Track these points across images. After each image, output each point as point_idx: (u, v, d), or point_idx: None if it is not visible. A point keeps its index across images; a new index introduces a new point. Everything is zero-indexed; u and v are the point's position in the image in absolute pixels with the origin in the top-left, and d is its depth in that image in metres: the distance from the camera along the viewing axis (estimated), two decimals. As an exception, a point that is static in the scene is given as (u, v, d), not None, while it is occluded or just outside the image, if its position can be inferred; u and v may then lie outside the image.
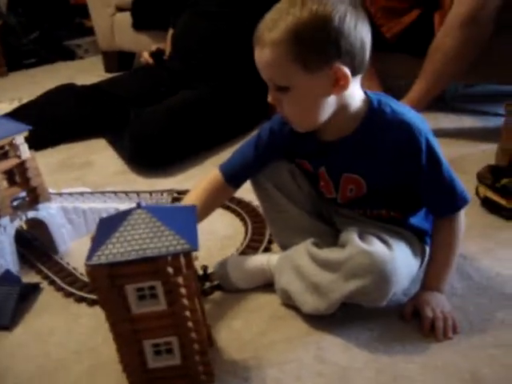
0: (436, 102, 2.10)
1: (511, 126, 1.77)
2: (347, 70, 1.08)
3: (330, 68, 1.08)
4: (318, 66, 1.08)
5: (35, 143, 1.57)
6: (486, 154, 1.90)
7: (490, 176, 1.60)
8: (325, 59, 1.07)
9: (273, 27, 1.07)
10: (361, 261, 1.12)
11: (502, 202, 1.54)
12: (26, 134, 1.53)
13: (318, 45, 1.06)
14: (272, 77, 1.12)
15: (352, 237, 1.17)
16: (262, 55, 1.10)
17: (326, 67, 1.08)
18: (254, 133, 1.33)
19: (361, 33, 1.09)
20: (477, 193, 1.63)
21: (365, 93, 1.19)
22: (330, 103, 1.13)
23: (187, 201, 1.34)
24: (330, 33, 1.05)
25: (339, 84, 1.10)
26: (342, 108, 1.15)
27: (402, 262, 1.15)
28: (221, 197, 1.41)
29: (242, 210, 1.71)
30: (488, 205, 1.59)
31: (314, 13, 1.05)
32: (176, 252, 0.96)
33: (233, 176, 1.34)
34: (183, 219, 1.04)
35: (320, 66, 1.08)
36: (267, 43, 1.08)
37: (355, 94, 1.16)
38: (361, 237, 1.18)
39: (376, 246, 1.15)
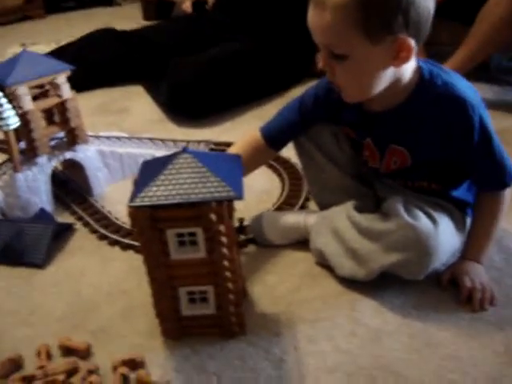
0: (480, 73, 2.05)
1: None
2: (412, 43, 1.02)
3: (394, 39, 1.01)
4: (381, 36, 1.00)
5: (72, 85, 1.56)
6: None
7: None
8: (391, 29, 1.00)
9: None
10: (405, 234, 1.11)
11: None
12: (68, 73, 1.52)
13: (385, 13, 0.98)
14: (329, 43, 1.04)
15: (397, 207, 1.15)
16: (321, 19, 1.02)
17: (390, 38, 1.01)
18: (297, 92, 1.31)
19: (429, 3, 1.02)
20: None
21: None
22: (388, 75, 1.07)
23: None
24: (401, 1, 0.98)
25: (400, 56, 1.03)
26: (397, 80, 1.10)
27: (445, 237, 1.14)
28: (261, 159, 1.39)
29: (280, 166, 1.70)
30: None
31: None
32: (221, 199, 0.94)
33: (274, 139, 1.32)
34: (228, 167, 1.02)
35: (384, 36, 1.00)
36: (329, 6, 0.99)
37: (411, 65, 1.10)
38: (406, 208, 1.15)
39: (421, 221, 1.12)
